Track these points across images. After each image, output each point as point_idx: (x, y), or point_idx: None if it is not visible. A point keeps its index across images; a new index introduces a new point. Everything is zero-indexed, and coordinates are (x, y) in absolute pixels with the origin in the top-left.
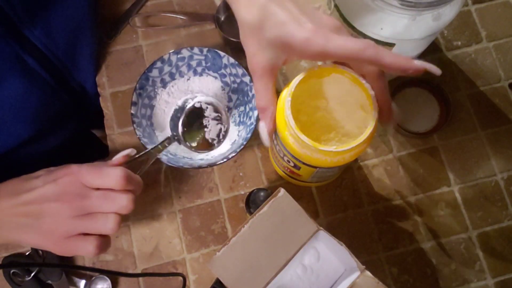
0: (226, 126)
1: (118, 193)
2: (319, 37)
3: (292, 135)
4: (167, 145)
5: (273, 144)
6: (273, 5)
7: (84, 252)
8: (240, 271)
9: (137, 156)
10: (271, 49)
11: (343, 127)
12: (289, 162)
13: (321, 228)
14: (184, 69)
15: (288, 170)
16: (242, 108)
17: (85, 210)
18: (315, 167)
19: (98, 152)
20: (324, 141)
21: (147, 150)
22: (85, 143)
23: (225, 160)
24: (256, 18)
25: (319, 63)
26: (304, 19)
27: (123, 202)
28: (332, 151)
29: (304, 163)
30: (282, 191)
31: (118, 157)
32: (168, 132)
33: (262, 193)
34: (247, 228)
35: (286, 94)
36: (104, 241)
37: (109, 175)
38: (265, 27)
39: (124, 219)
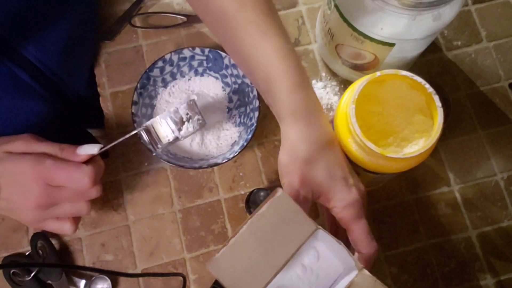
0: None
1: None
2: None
3: (356, 142)
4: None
5: None
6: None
7: (62, 232)
8: (239, 272)
9: (103, 149)
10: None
11: (401, 131)
12: None
13: (320, 227)
14: (185, 69)
15: None
16: (242, 109)
17: (53, 203)
18: (376, 173)
19: None
20: (382, 146)
21: (113, 143)
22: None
23: (225, 160)
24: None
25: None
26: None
27: (93, 194)
28: (400, 158)
29: (365, 170)
30: (279, 191)
31: (86, 152)
32: None
33: (262, 193)
34: (245, 229)
35: (349, 101)
36: (76, 219)
37: (77, 180)
38: (314, 168)
39: (124, 219)
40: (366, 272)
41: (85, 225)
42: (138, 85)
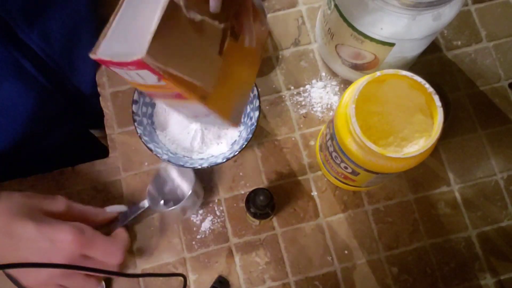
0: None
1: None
2: None
3: (356, 142)
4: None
5: (327, 150)
6: None
7: None
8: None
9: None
10: None
11: (401, 131)
12: (346, 168)
13: None
14: None
15: (343, 176)
16: None
17: (71, 273)
18: (377, 173)
19: (96, 152)
20: (382, 146)
21: (129, 218)
22: (83, 143)
23: (225, 160)
24: None
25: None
26: None
27: (115, 267)
28: (400, 158)
29: (365, 170)
30: None
31: (112, 211)
32: (169, 131)
33: (262, 193)
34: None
35: (349, 101)
36: None
37: (112, 254)
38: None
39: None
40: None
41: None
42: None
